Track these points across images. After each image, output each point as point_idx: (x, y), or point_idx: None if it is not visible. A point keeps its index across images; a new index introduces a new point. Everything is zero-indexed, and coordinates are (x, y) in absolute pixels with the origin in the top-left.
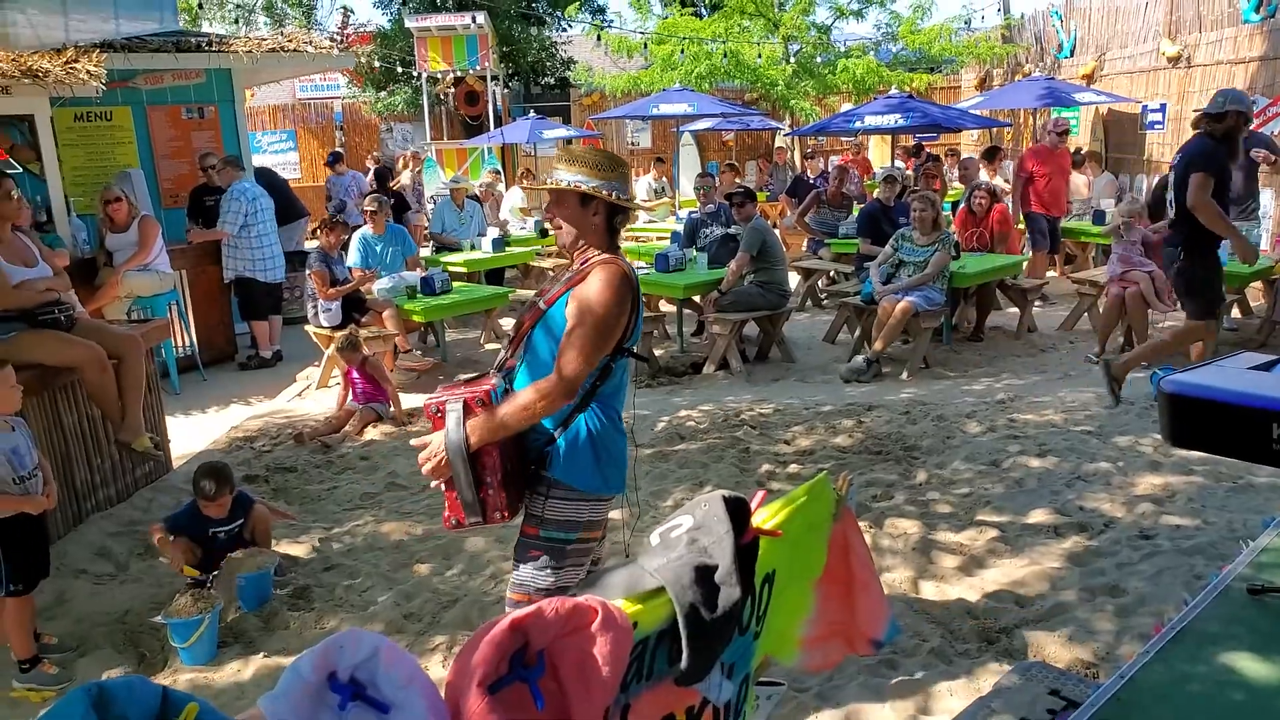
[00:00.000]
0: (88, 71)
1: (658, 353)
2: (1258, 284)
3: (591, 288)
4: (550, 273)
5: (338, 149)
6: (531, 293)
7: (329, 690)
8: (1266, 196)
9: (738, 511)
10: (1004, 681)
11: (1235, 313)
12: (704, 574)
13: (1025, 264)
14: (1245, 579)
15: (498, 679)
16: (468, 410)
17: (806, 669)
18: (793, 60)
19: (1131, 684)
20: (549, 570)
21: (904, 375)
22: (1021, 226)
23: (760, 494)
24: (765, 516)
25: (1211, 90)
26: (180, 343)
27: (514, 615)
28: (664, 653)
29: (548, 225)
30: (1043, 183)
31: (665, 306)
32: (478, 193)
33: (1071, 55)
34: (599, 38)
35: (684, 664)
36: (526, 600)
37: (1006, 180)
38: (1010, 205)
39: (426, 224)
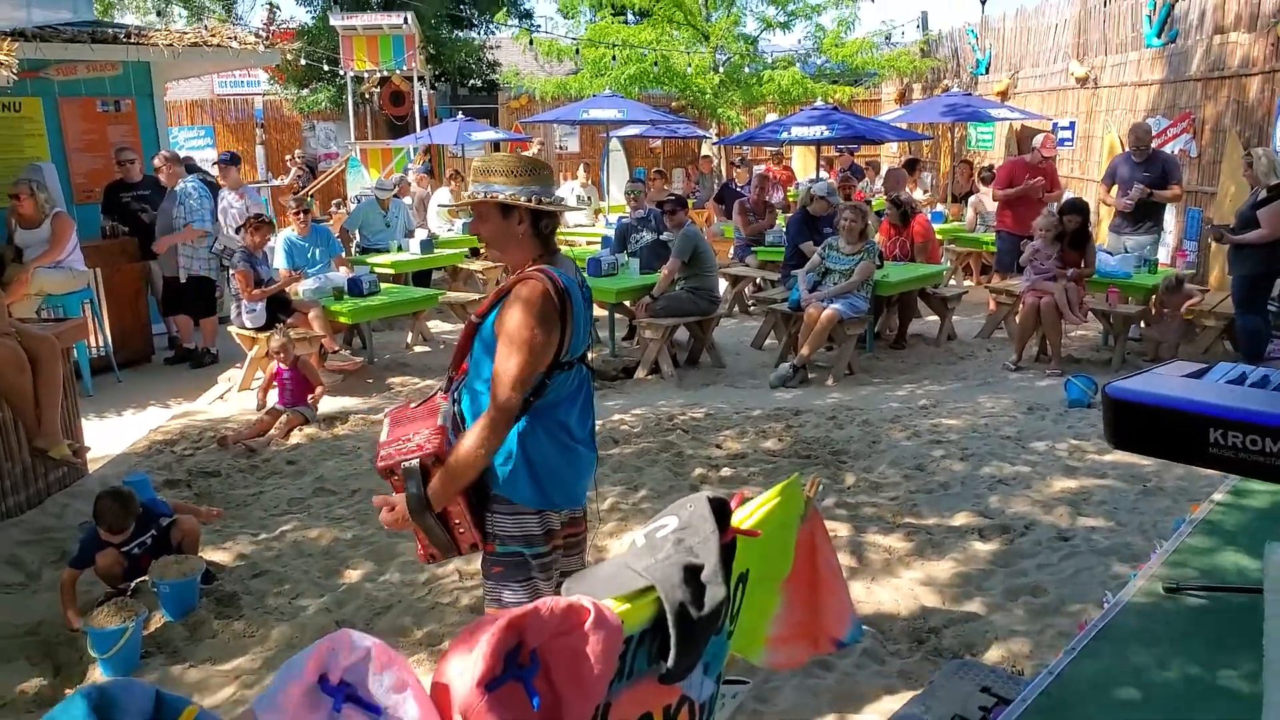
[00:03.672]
0: None
1: (589, 356)
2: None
3: (510, 315)
4: (479, 275)
5: (231, 150)
6: (458, 295)
7: (321, 692)
8: (1168, 213)
9: (720, 512)
10: (937, 680)
11: (1144, 324)
12: (692, 573)
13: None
14: (1161, 578)
15: (493, 678)
16: (425, 472)
17: (772, 667)
18: (721, 70)
19: (1060, 680)
20: (514, 584)
21: (830, 381)
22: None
23: (739, 495)
24: (743, 517)
25: (1117, 110)
26: (94, 343)
27: (510, 614)
28: (644, 652)
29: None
30: (1017, 199)
31: (597, 310)
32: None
33: (987, 72)
34: (531, 42)
35: (671, 662)
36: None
37: (925, 191)
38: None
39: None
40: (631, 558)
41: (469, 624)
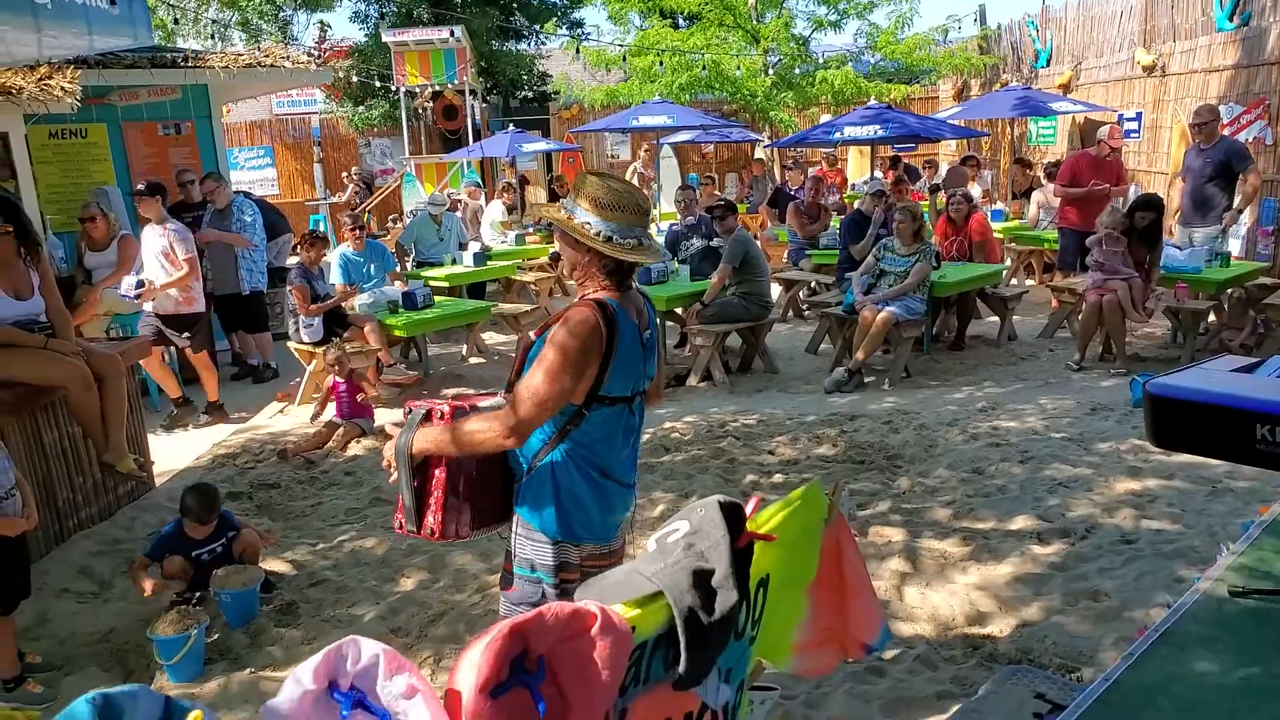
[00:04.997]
0: (62, 88)
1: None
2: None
3: (551, 336)
4: (532, 286)
5: (152, 179)
6: (511, 307)
7: (330, 698)
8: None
9: (733, 516)
10: (990, 686)
11: (1211, 317)
12: (701, 578)
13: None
14: (1226, 582)
15: (498, 684)
16: (428, 418)
17: (800, 674)
18: (772, 72)
19: (1116, 687)
20: (526, 606)
21: (886, 385)
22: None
23: (755, 499)
24: (759, 521)
25: (1186, 99)
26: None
27: (514, 620)
28: (660, 657)
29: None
30: (1083, 195)
31: None
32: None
33: (1048, 65)
34: (578, 51)
35: (682, 668)
36: None
37: (985, 188)
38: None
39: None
40: (642, 563)
41: (480, 631)
